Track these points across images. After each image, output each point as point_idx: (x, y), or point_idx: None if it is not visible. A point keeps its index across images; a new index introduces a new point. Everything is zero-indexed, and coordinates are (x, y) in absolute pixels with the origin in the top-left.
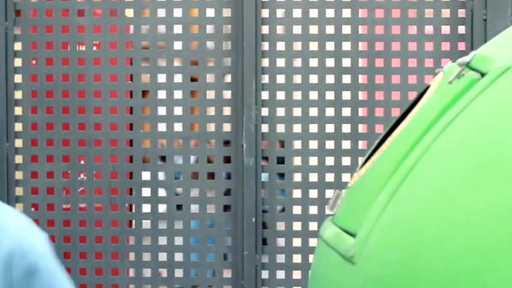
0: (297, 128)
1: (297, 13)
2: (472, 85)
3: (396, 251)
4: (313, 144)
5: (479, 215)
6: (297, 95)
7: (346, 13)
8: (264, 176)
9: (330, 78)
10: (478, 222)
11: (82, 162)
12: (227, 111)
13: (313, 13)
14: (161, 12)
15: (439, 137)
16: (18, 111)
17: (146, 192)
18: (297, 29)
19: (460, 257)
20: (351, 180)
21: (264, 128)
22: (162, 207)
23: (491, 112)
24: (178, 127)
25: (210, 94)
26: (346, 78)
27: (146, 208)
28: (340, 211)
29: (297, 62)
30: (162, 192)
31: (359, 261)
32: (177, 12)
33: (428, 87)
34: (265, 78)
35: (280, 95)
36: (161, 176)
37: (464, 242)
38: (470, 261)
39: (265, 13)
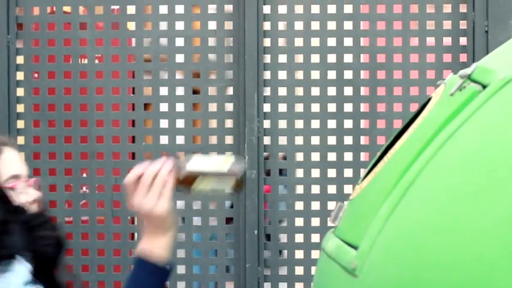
0: (299, 140)
1: (298, 26)
2: (473, 97)
3: (398, 264)
4: (315, 156)
5: (481, 227)
6: (299, 107)
7: (348, 25)
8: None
9: (331, 91)
10: (481, 234)
11: (84, 175)
12: (229, 123)
13: (315, 26)
14: (163, 25)
15: (440, 149)
16: (20, 124)
17: None
18: (298, 42)
19: (462, 270)
20: (353, 192)
21: (266, 140)
22: None
23: (493, 124)
24: (180, 140)
25: (212, 107)
26: (348, 90)
27: None
28: (342, 223)
29: (299, 75)
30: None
31: (361, 273)
32: (179, 25)
33: (430, 99)
34: (267, 91)
35: (282, 108)
36: None
37: (467, 254)
38: (473, 274)
39: (266, 26)
